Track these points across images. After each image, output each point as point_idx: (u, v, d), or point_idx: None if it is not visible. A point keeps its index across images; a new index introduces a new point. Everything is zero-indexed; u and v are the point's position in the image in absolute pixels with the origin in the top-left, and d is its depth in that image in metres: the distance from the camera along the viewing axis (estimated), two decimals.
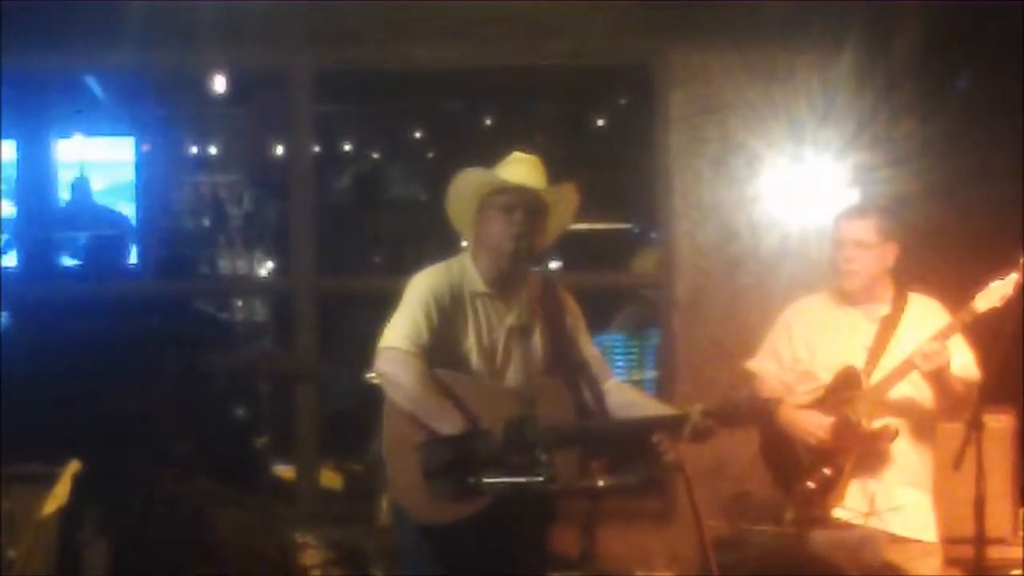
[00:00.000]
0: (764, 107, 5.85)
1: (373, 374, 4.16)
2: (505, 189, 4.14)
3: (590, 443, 4.05)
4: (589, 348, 4.32)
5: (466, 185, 4.23)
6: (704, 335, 5.91)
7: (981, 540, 4.15)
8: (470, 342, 4.17)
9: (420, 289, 4.17)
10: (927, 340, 4.40)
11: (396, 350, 4.08)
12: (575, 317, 4.33)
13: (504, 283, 4.21)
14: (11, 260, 8.90)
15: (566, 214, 4.31)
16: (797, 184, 5.82)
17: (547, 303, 4.18)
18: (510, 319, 4.21)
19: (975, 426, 4.13)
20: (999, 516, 5.01)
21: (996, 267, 4.34)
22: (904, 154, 5.65)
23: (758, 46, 5.85)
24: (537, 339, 4.18)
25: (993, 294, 4.33)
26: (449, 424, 3.97)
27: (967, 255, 4.97)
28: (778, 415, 4.66)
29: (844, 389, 4.56)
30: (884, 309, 4.65)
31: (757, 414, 4.14)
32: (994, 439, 4.98)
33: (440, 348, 4.13)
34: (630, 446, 4.13)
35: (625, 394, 4.29)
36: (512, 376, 4.18)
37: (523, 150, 4.27)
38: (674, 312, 6.04)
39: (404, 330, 4.10)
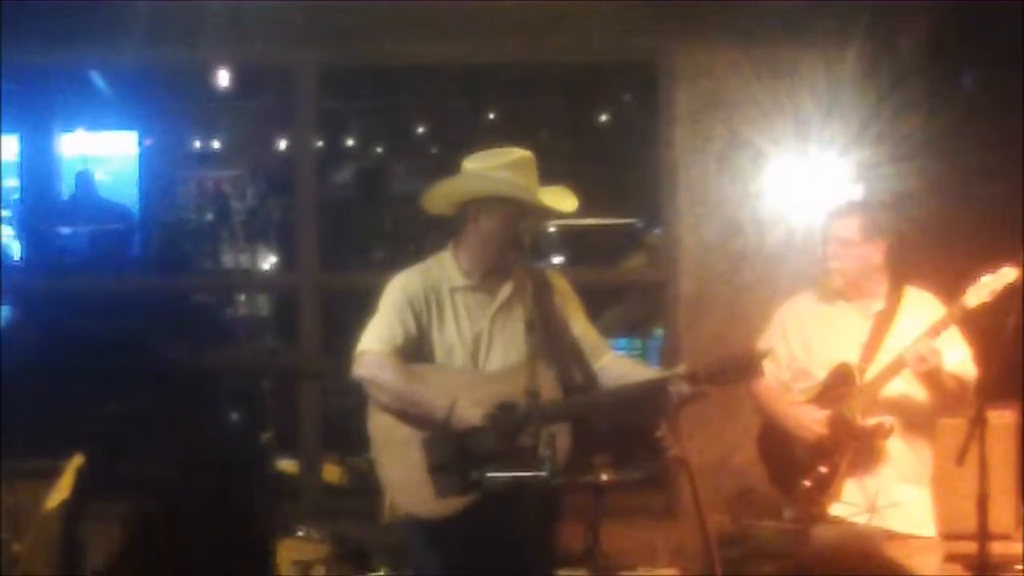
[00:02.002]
0: (769, 104, 5.85)
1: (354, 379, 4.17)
2: (513, 198, 4.13)
3: (579, 418, 4.05)
4: (582, 326, 4.30)
5: (477, 186, 4.20)
6: (708, 331, 5.90)
7: (984, 536, 4.15)
8: (452, 338, 4.17)
9: (393, 293, 4.20)
10: (916, 339, 4.39)
11: (372, 352, 4.12)
12: (565, 296, 4.31)
13: (487, 275, 4.22)
14: (15, 254, 8.92)
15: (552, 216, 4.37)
16: (802, 180, 5.81)
17: (532, 287, 4.11)
18: (493, 308, 4.21)
19: (978, 422, 4.12)
20: (1002, 512, 5.00)
21: (1001, 263, 4.33)
22: (908, 151, 5.65)
23: (763, 43, 5.85)
24: (522, 324, 4.16)
25: (983, 289, 4.32)
26: (438, 408, 3.99)
27: (972, 251, 4.96)
28: (773, 405, 4.67)
29: (839, 386, 4.55)
30: (879, 304, 4.64)
31: (744, 370, 4.11)
32: (997, 435, 4.98)
33: (421, 347, 4.15)
34: (631, 436, 4.13)
35: (620, 367, 4.26)
36: (497, 364, 4.18)
37: (521, 145, 4.25)
38: (678, 308, 6.03)
39: (378, 333, 4.14)
